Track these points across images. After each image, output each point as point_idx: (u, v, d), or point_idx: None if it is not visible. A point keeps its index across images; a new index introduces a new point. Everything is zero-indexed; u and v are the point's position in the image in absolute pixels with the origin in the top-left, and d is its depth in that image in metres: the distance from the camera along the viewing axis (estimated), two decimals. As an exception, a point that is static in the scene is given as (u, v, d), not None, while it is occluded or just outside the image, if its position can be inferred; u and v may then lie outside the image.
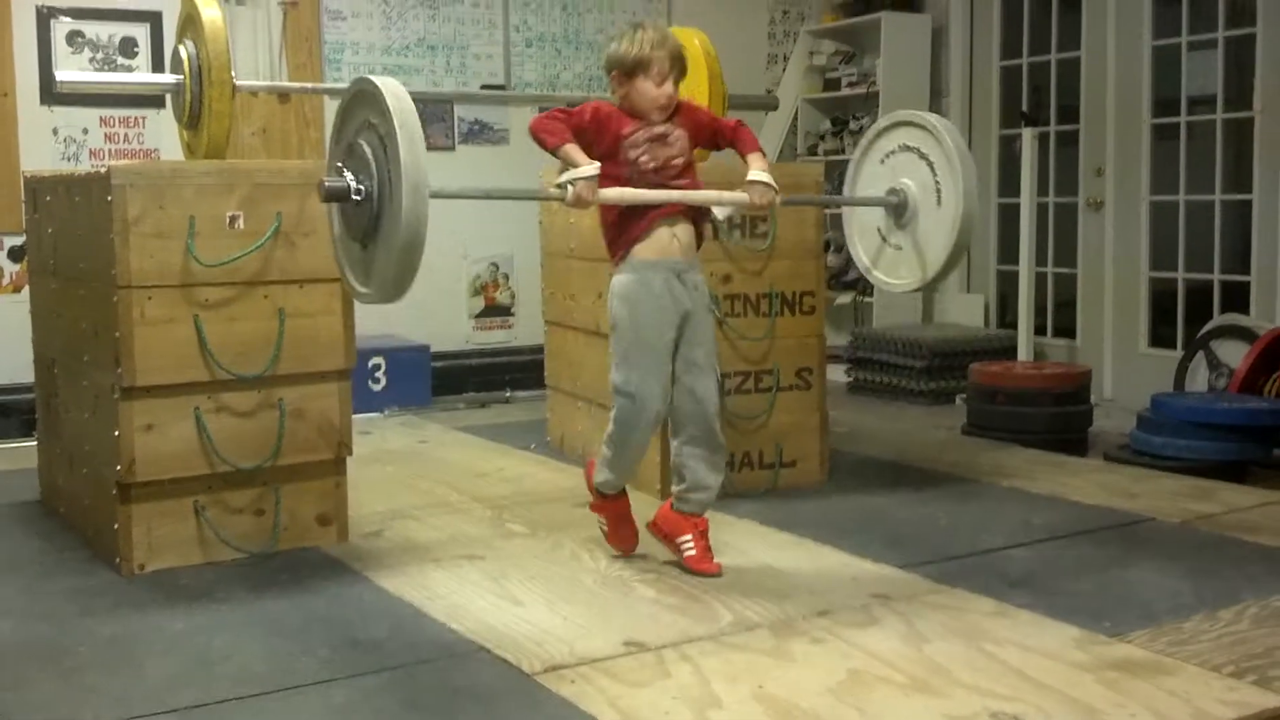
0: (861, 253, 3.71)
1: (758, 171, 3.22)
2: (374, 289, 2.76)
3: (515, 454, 4.91)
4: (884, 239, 3.60)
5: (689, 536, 3.26)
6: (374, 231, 2.74)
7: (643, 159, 3.16)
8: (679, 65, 3.21)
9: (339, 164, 2.85)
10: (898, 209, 3.54)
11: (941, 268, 3.46)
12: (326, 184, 2.77)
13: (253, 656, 2.75)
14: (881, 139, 3.65)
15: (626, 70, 3.17)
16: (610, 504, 3.40)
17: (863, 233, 3.71)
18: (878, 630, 2.84)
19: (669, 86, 3.18)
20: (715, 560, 3.26)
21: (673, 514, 3.32)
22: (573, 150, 3.07)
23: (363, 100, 2.78)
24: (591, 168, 3.02)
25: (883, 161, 3.63)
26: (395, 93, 2.68)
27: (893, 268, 3.59)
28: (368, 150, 2.73)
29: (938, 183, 3.43)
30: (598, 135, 3.15)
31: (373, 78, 2.75)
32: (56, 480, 4.03)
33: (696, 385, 3.24)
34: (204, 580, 3.30)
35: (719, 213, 3.32)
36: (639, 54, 3.15)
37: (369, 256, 2.75)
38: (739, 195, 3.24)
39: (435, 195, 2.69)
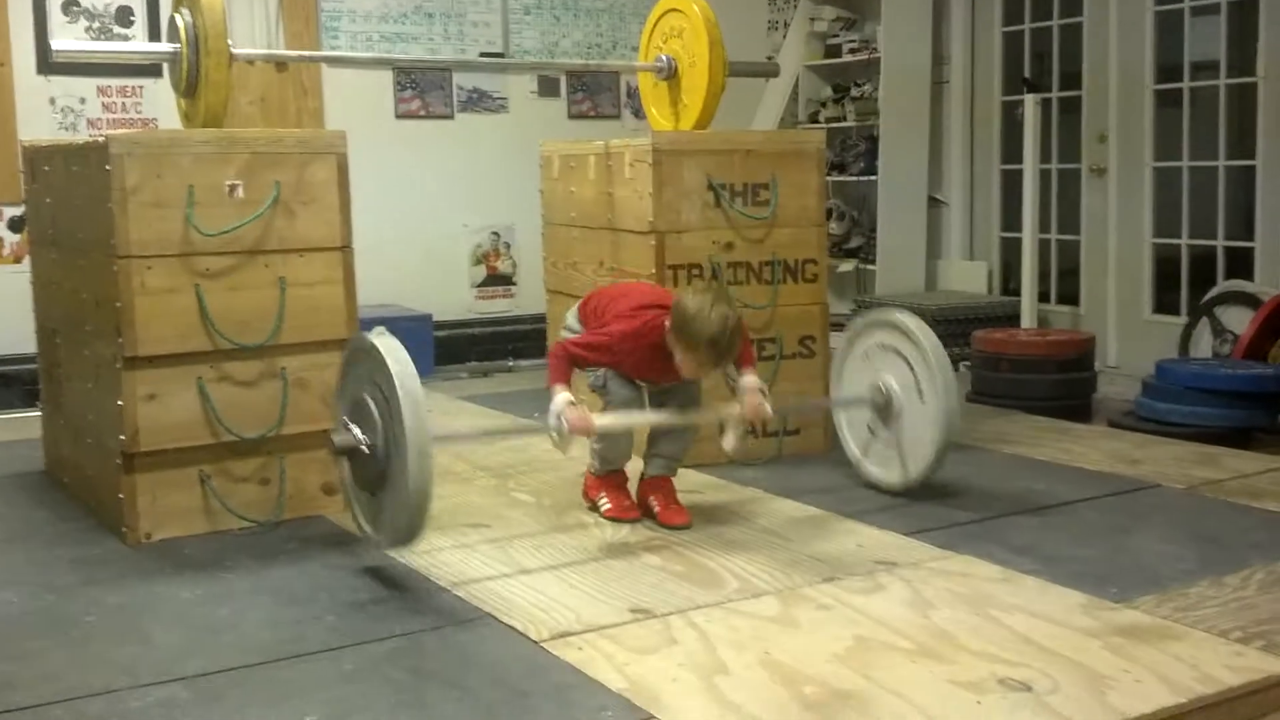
0: (852, 445, 3.79)
1: (751, 379, 3.31)
2: (385, 536, 2.90)
3: (519, 423, 4.90)
4: (872, 433, 3.70)
5: (652, 496, 3.44)
6: (381, 483, 2.87)
7: (649, 375, 3.36)
8: (726, 359, 3.22)
9: (345, 419, 2.98)
10: (882, 407, 3.62)
11: (930, 464, 3.53)
12: (336, 441, 2.92)
13: (260, 625, 2.75)
14: (862, 337, 3.74)
15: (674, 331, 3.18)
16: (605, 479, 3.49)
17: (851, 426, 3.80)
18: (884, 597, 2.84)
19: (703, 373, 3.26)
20: (685, 511, 3.42)
21: (639, 486, 3.50)
22: (559, 393, 3.15)
23: (363, 358, 2.92)
24: (566, 396, 3.13)
25: (866, 357, 3.72)
26: (396, 356, 2.81)
27: (883, 461, 3.67)
28: (372, 406, 2.86)
29: (918, 381, 3.53)
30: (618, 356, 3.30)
31: (373, 338, 2.88)
32: (61, 450, 4.02)
33: (673, 398, 3.40)
34: (210, 549, 3.30)
35: (726, 445, 3.32)
36: (691, 335, 3.13)
37: (377, 503, 2.91)
38: (732, 409, 3.31)
39: (440, 442, 2.96)
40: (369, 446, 2.87)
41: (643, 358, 3.29)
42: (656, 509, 3.42)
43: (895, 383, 3.60)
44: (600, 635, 2.63)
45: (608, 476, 3.50)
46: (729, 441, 3.31)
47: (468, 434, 3.49)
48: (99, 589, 3.01)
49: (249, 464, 3.49)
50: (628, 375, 3.36)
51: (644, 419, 3.38)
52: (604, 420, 3.24)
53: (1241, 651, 2.48)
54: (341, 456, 2.96)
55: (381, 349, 2.83)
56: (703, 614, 2.74)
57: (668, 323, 3.21)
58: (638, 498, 3.49)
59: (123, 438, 3.33)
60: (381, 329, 2.89)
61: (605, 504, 3.47)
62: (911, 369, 3.55)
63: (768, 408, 3.30)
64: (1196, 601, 2.77)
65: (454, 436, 3.27)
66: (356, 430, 2.89)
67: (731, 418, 3.31)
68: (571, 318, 3.53)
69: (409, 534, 2.84)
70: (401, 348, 2.84)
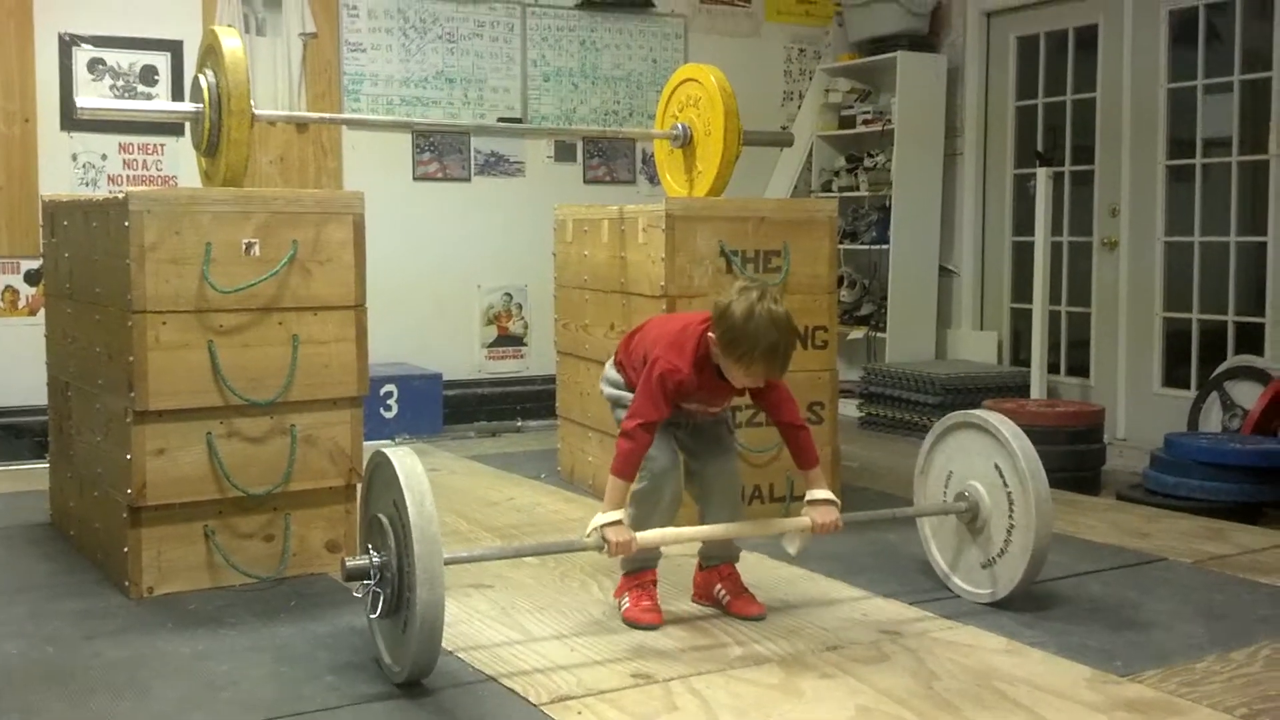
0: (939, 557, 3.49)
1: (818, 490, 3.10)
2: (402, 667, 2.70)
3: (526, 483, 4.91)
4: (959, 541, 3.43)
5: (718, 585, 3.24)
6: (397, 606, 2.72)
7: (693, 409, 3.14)
8: (780, 366, 2.94)
9: (366, 543, 2.85)
10: (969, 517, 3.35)
11: (1021, 579, 3.22)
12: (348, 564, 2.76)
13: (259, 682, 2.74)
14: (946, 437, 3.46)
15: (723, 346, 2.93)
16: (633, 577, 3.20)
17: (937, 535, 3.51)
18: (888, 667, 2.82)
19: (759, 381, 2.98)
20: (758, 601, 3.21)
21: (700, 575, 3.30)
22: (615, 490, 2.96)
23: (381, 474, 2.79)
24: (616, 514, 2.93)
25: (951, 459, 3.44)
26: (408, 469, 2.66)
27: (972, 575, 3.37)
28: (386, 523, 2.73)
29: (1007, 488, 3.24)
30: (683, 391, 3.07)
31: (388, 452, 2.75)
32: (67, 503, 4.03)
33: (707, 469, 3.21)
34: (212, 605, 3.30)
35: (789, 547, 3.16)
36: (745, 348, 2.88)
37: (395, 628, 2.74)
38: (802, 521, 3.10)
39: (452, 562, 2.76)
40: (382, 569, 2.72)
41: (701, 383, 3.03)
42: (726, 599, 3.20)
43: (984, 490, 3.31)
44: (600, 699, 2.62)
45: (638, 574, 3.19)
46: (793, 547, 3.14)
47: (487, 553, 3.34)
48: (101, 642, 3.01)
49: (254, 520, 3.49)
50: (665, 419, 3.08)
51: (693, 534, 3.12)
52: (646, 536, 2.99)
53: (1247, 729, 2.46)
54: (353, 581, 2.77)
55: (398, 469, 2.67)
56: (704, 680, 2.73)
57: (712, 335, 2.96)
58: (701, 586, 3.28)
59: (130, 491, 3.34)
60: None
61: (625, 604, 3.17)
62: (1001, 475, 3.26)
63: (840, 520, 3.09)
64: (1202, 677, 2.75)
65: (471, 558, 3.13)
66: (373, 553, 2.75)
67: (800, 530, 3.11)
68: (611, 370, 3.30)
69: (424, 663, 2.65)
70: (419, 465, 2.69)
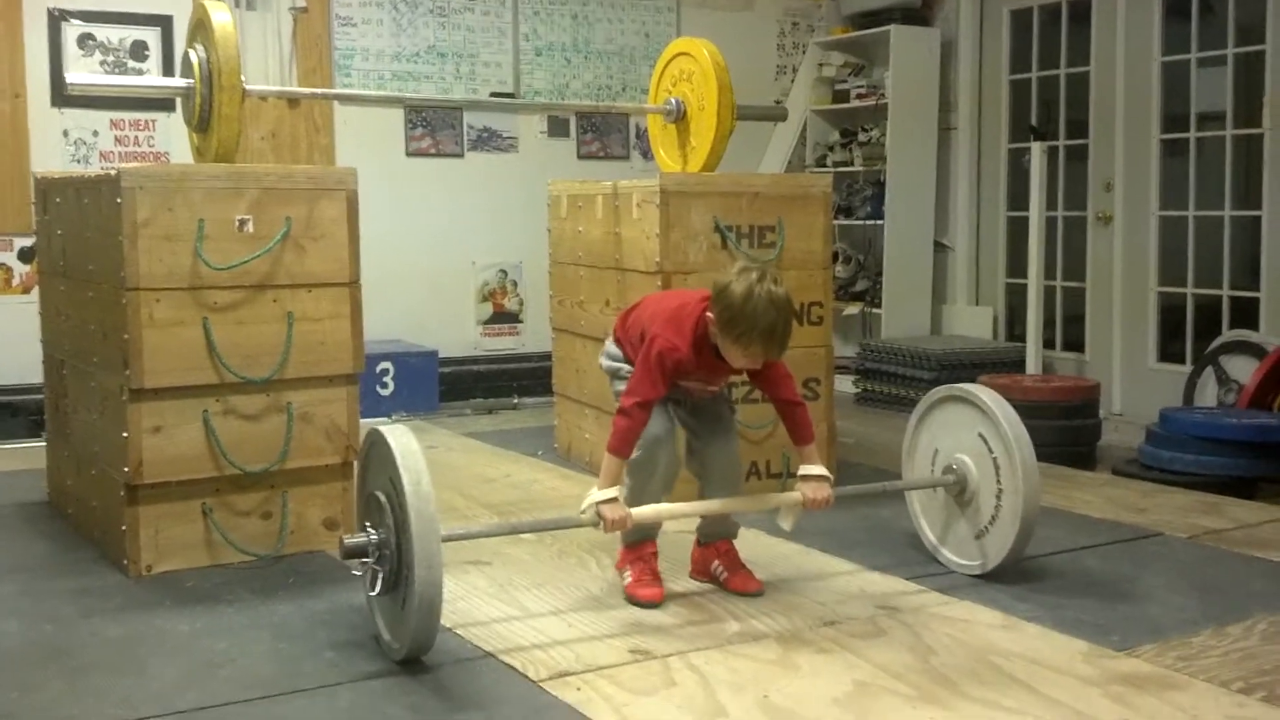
0: (928, 530, 3.51)
1: (812, 466, 3.10)
2: (401, 644, 2.68)
3: (522, 460, 4.91)
4: (947, 515, 3.44)
5: (716, 561, 3.25)
6: (395, 584, 2.70)
7: (691, 386, 3.14)
8: (778, 347, 2.93)
9: (364, 521, 2.84)
10: (956, 489, 3.35)
11: (1010, 550, 3.23)
12: (346, 541, 2.75)
13: (258, 659, 2.75)
14: (934, 411, 3.46)
15: (722, 326, 2.92)
16: (635, 549, 3.19)
17: (926, 510, 3.52)
18: (884, 641, 2.83)
19: (757, 362, 2.99)
20: (755, 577, 3.22)
21: (698, 551, 3.31)
22: (611, 467, 2.95)
23: (377, 451, 2.77)
24: (612, 490, 2.93)
25: (938, 433, 3.45)
26: (404, 447, 2.65)
27: (961, 548, 3.38)
28: (385, 502, 2.72)
29: (994, 460, 3.25)
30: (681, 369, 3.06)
31: (384, 430, 2.73)
32: (64, 481, 4.03)
33: (708, 448, 3.21)
34: (210, 583, 3.30)
35: (783, 522, 3.15)
36: (743, 328, 2.87)
37: (394, 605, 2.73)
38: (794, 496, 3.10)
39: (450, 539, 2.75)
40: (380, 547, 2.72)
41: (699, 363, 3.03)
42: (724, 575, 3.21)
43: (971, 462, 3.32)
44: (599, 675, 2.63)
45: (638, 546, 3.19)
46: (786, 523, 3.14)
47: (485, 530, 3.32)
48: (99, 621, 3.01)
49: (251, 498, 3.49)
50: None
51: (687, 509, 3.15)
52: (642, 513, 3.00)
53: (1243, 702, 2.47)
54: (351, 559, 2.78)
55: (394, 447, 2.66)
56: (703, 655, 2.74)
57: (711, 314, 2.95)
58: (698, 563, 3.30)
59: (126, 469, 3.33)
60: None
61: (628, 578, 3.17)
62: (986, 443, 3.27)
63: (831, 496, 3.10)
64: (1199, 651, 2.76)
65: (469, 535, 3.09)
66: (371, 531, 2.75)
67: (792, 504, 3.11)
68: (610, 345, 3.30)
69: (422, 640, 2.64)
70: (415, 442, 2.68)
